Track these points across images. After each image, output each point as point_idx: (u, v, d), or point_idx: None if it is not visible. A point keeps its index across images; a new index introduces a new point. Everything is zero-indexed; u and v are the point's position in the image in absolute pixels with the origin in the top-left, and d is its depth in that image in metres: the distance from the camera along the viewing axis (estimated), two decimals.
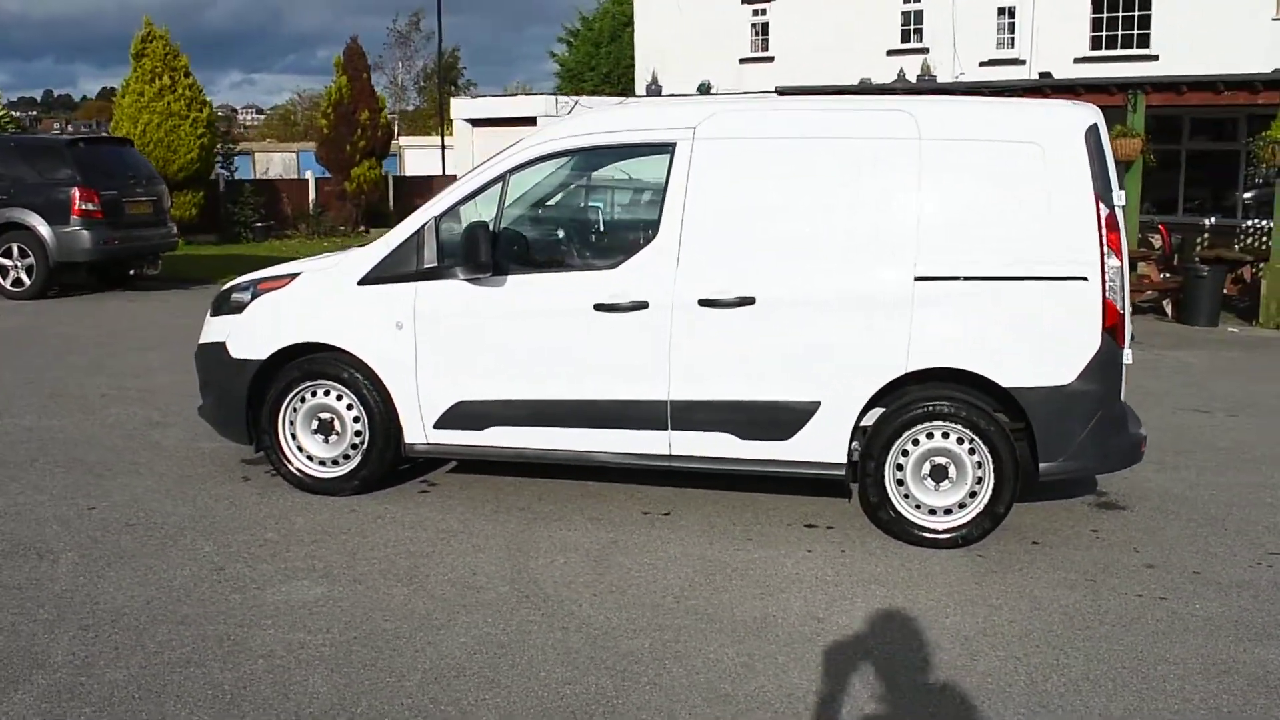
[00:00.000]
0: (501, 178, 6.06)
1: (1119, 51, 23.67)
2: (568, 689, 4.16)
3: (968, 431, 5.65)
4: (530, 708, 4.02)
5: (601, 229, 6.23)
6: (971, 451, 5.67)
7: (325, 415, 6.35)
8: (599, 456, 6.05)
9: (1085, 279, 5.50)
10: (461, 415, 6.11)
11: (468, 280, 6.00)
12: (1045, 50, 24.42)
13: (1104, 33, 24.02)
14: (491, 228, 5.93)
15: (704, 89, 28.39)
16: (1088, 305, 5.52)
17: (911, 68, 25.07)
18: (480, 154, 29.87)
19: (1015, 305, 5.57)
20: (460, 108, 30.04)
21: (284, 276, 6.46)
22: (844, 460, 5.78)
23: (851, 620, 4.83)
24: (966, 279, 5.58)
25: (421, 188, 28.25)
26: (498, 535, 5.79)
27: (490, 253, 5.81)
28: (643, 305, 5.81)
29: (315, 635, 4.56)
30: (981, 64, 25.29)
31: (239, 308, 6.51)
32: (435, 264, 6.03)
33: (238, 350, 6.42)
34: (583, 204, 6.30)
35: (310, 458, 6.40)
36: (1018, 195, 5.57)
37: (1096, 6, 24.14)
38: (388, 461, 6.33)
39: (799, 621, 4.81)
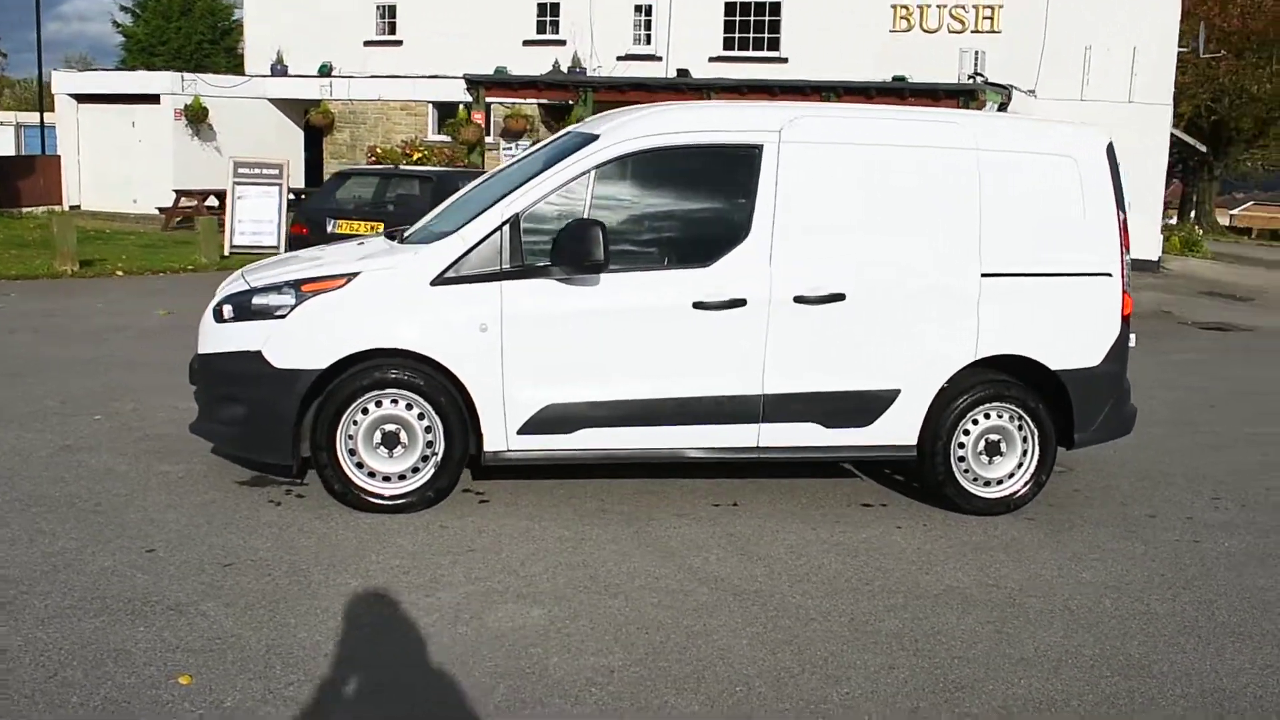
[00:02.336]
0: (586, 174, 5.93)
1: (751, 53, 25.78)
2: (892, 673, 4.36)
3: (1018, 410, 6.38)
4: (875, 692, 4.19)
5: (687, 226, 6.22)
6: (1020, 428, 6.41)
7: (390, 427, 5.86)
8: (690, 453, 6.12)
9: (1109, 275, 6.41)
10: (550, 419, 5.92)
11: (560, 280, 5.82)
12: (681, 48, 26.03)
13: (736, 35, 26.07)
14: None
15: (325, 70, 27.32)
16: (1111, 297, 6.43)
17: (544, 61, 25.49)
18: (87, 132, 26.79)
19: (1058, 298, 6.36)
20: (63, 82, 26.68)
21: (336, 277, 5.85)
22: (915, 442, 6.30)
23: (1005, 579, 5.38)
24: (1021, 275, 6.29)
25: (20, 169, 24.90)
26: (626, 537, 5.71)
27: (605, 250, 5.68)
28: (740, 303, 5.96)
29: (606, 657, 4.37)
30: (619, 58, 26.41)
31: (277, 312, 5.81)
32: (530, 262, 5.78)
33: (283, 359, 5.74)
34: (658, 201, 6.25)
35: (372, 474, 5.88)
36: (1058, 201, 6.36)
37: (729, 10, 26.10)
38: (460, 472, 5.97)
39: (978, 588, 5.28)
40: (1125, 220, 6.49)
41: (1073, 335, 6.40)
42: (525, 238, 5.83)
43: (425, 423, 5.88)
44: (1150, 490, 7.06)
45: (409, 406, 5.86)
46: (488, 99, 20.22)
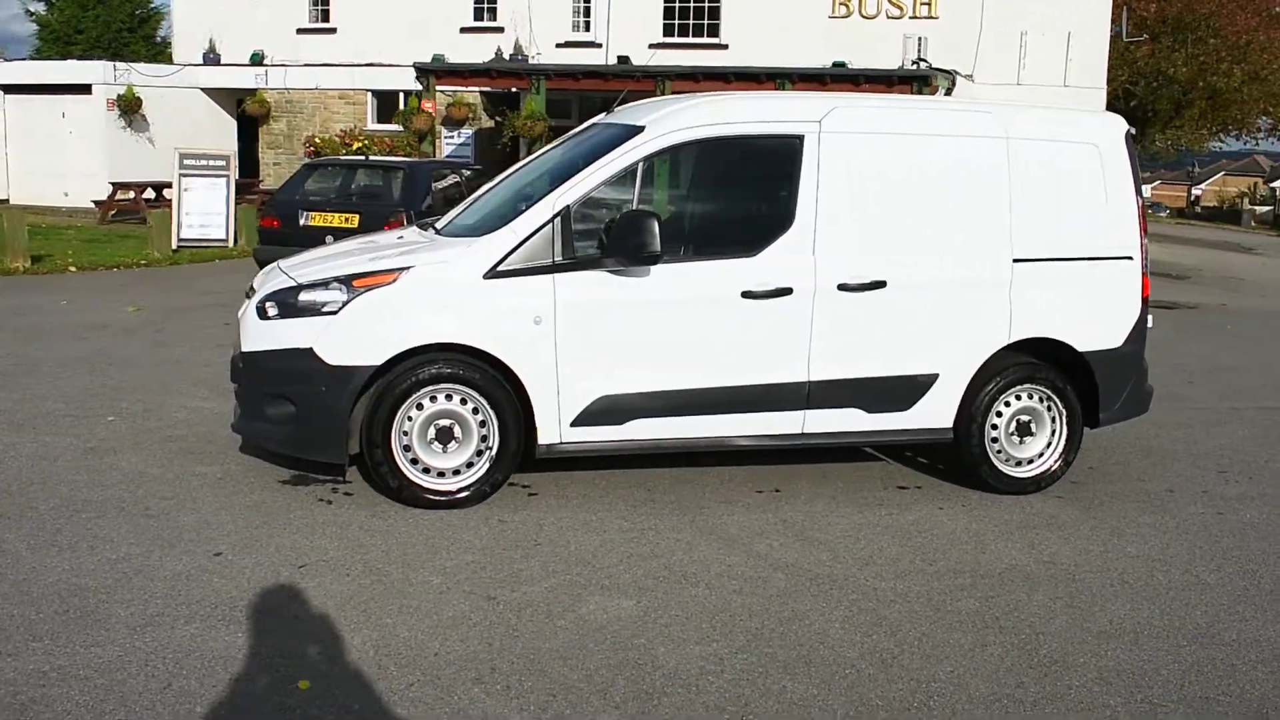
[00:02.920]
0: (635, 165, 5.95)
1: (692, 40, 25.87)
2: (985, 650, 4.48)
3: (1047, 391, 6.56)
4: (977, 669, 4.32)
5: (733, 216, 6.27)
6: (1049, 408, 6.59)
7: (444, 422, 5.83)
8: (738, 441, 6.20)
9: (1131, 258, 6.62)
10: (603, 410, 5.94)
11: (612, 271, 5.84)
12: (621, 35, 26.03)
13: (676, 21, 26.12)
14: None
15: (257, 59, 26.79)
16: (1132, 280, 6.64)
17: (483, 49, 25.25)
18: (14, 122, 25.89)
19: (1084, 281, 6.54)
20: None
21: (388, 271, 5.79)
22: (951, 425, 6.45)
23: (1058, 556, 5.55)
24: (1050, 260, 6.46)
25: None
26: (684, 526, 5.76)
27: (659, 241, 5.71)
28: (787, 291, 6.05)
29: (710, 645, 4.43)
30: (559, 45, 26.32)
31: (327, 308, 5.74)
32: (581, 254, 5.80)
33: (337, 356, 5.68)
34: (704, 191, 6.29)
35: (427, 470, 5.85)
36: (1082, 187, 6.54)
37: None
38: (514, 467, 5.97)
39: (1036, 565, 5.45)
40: (1143, 205, 6.70)
41: (1097, 317, 6.60)
42: (576, 229, 5.84)
43: (479, 417, 5.86)
44: (1161, 466, 7.30)
45: (463, 401, 5.83)
46: (439, 87, 20.00)
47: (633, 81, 18.80)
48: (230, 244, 17.85)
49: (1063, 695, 4.15)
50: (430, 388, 5.78)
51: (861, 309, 6.16)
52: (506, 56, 23.86)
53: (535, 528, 5.67)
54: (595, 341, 5.87)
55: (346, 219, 12.20)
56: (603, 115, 7.36)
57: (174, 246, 17.29)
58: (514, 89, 23.44)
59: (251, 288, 6.60)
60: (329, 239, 12.02)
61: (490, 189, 7.07)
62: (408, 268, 5.79)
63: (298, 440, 5.87)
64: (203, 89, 26.99)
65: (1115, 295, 6.63)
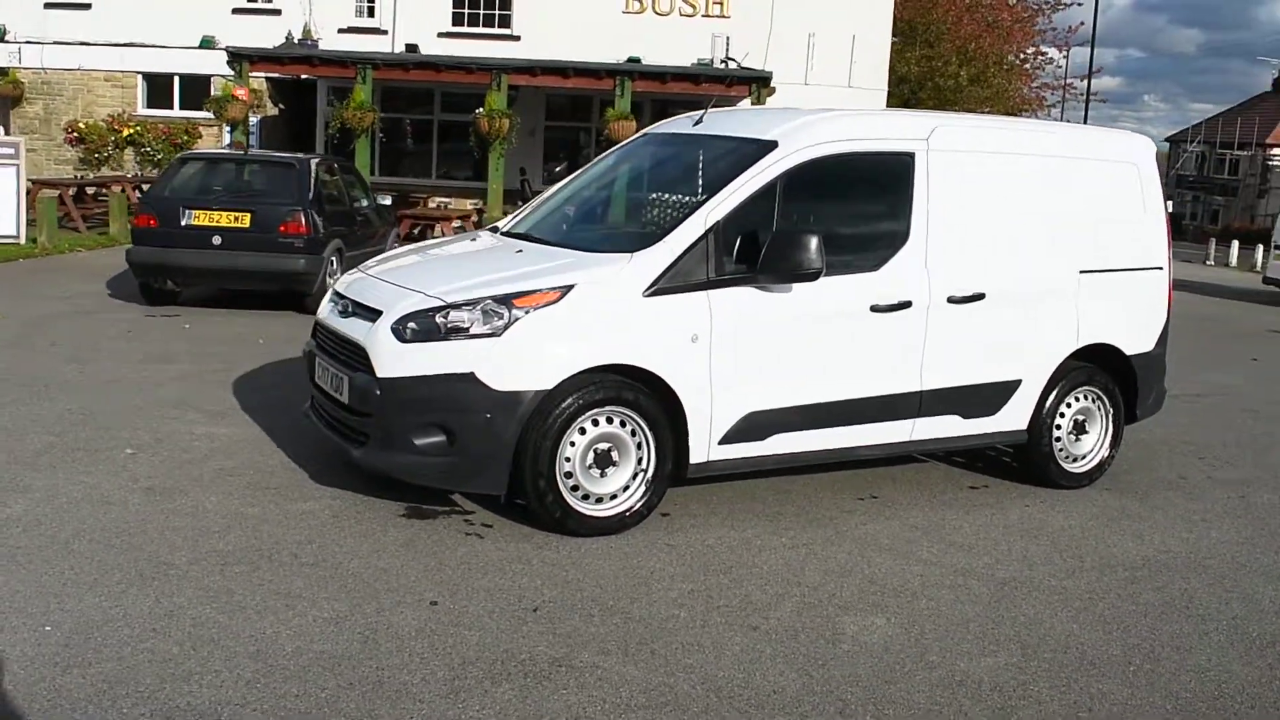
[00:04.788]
0: (775, 181, 5.93)
1: (482, 30, 25.41)
2: (1206, 638, 4.86)
3: (1098, 391, 7.08)
4: (1238, 641, 4.69)
5: (858, 231, 6.31)
6: (1100, 408, 7.12)
7: (602, 445, 5.61)
8: (862, 451, 6.33)
9: (1161, 268, 7.25)
10: (749, 427, 5.91)
11: (759, 288, 5.82)
12: (408, 22, 25.23)
13: (466, 10, 25.56)
14: (775, 229, 5.84)
15: None
16: (1162, 288, 7.28)
17: (259, 32, 23.76)
18: None
19: (1128, 290, 7.11)
20: None
21: (551, 289, 5.49)
22: (1026, 427, 6.84)
23: (1166, 545, 6.05)
24: (1105, 271, 6.97)
25: None
26: (842, 539, 5.83)
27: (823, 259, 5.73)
28: (907, 305, 6.23)
29: (995, 656, 4.55)
30: (341, 31, 25.18)
31: (484, 329, 5.39)
32: (732, 270, 5.73)
33: (503, 380, 5.35)
34: (832, 207, 6.30)
35: (585, 497, 5.61)
36: (1125, 202, 7.10)
37: None
38: (666, 489, 5.83)
39: (1160, 554, 5.92)
40: (1169, 217, 7.35)
41: (1139, 323, 7.19)
42: (731, 244, 5.77)
43: (636, 439, 5.68)
44: (1159, 457, 8.00)
45: (622, 423, 5.64)
46: (253, 73, 18.70)
47: (482, 74, 18.31)
48: (22, 241, 16.02)
49: None
50: (593, 411, 5.54)
51: (965, 320, 6.43)
52: (296, 41, 22.59)
53: (708, 549, 5.58)
54: (743, 358, 5.83)
55: (236, 218, 11.26)
56: (658, 125, 7.30)
57: None
58: (302, 76, 22.29)
59: (336, 294, 6.15)
60: (217, 239, 11.14)
61: (566, 193, 6.92)
62: (571, 285, 5.52)
63: (455, 472, 5.48)
64: None
65: (1150, 302, 7.23)
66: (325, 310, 6.33)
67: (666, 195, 6.50)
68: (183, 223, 11.26)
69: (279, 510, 5.73)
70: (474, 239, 6.81)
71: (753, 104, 19.21)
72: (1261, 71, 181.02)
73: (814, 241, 5.68)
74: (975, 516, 6.37)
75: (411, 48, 24.07)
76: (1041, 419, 6.86)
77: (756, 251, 5.78)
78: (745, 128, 6.48)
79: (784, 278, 5.78)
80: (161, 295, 11.83)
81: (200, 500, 5.82)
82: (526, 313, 5.43)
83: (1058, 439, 6.97)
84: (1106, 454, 7.16)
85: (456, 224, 16.36)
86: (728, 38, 22.27)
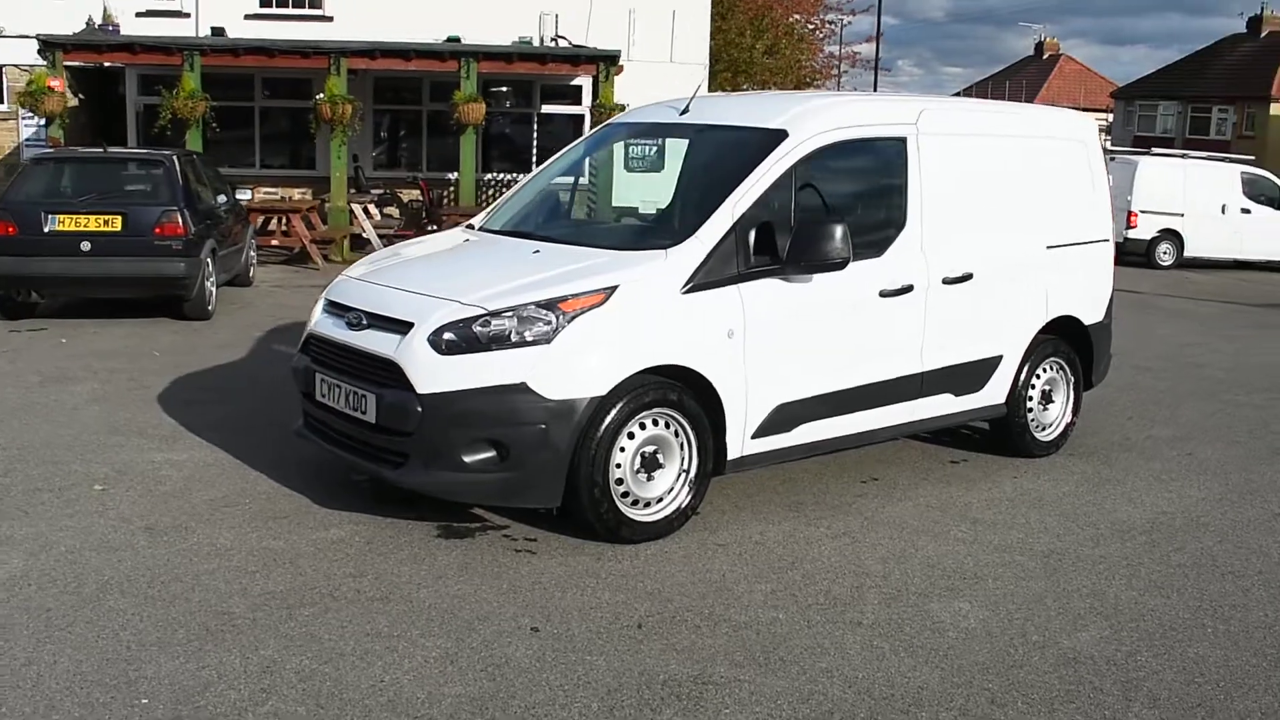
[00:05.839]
0: (791, 171, 5.89)
1: (292, 11, 24.15)
2: (1250, 594, 5.17)
3: (1062, 362, 7.40)
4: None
5: (862, 217, 6.28)
6: (1064, 378, 7.44)
7: (649, 449, 5.47)
8: (878, 435, 6.43)
9: (1107, 240, 7.63)
10: (778, 419, 5.88)
11: (783, 279, 5.78)
12: (213, 4, 23.75)
13: None
14: (791, 220, 5.83)
15: None
16: (1109, 260, 7.66)
17: (41, 15, 21.77)
18: None
19: (1083, 263, 7.43)
20: None
21: (594, 292, 5.28)
22: (1004, 400, 7.07)
23: (1158, 504, 6.40)
24: (1066, 245, 7.28)
25: None
26: (881, 526, 5.89)
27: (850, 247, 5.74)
28: (909, 288, 6.33)
29: (1082, 633, 4.70)
30: (139, 14, 23.39)
31: (532, 336, 5.14)
32: (758, 262, 5.66)
33: (557, 389, 5.13)
34: (837, 194, 6.26)
35: (635, 502, 5.45)
36: (1077, 178, 7.42)
37: None
38: (707, 487, 5.73)
39: (1159, 515, 6.24)
40: (1110, 193, 7.74)
41: (1093, 294, 7.54)
42: (756, 236, 5.71)
43: (679, 440, 5.56)
44: (1093, 420, 8.37)
45: (666, 425, 5.50)
46: (67, 62, 17.20)
47: (320, 59, 17.44)
48: None
49: None
50: (642, 414, 5.39)
51: (957, 300, 6.58)
52: (96, 26, 20.90)
53: (758, 546, 5.53)
54: (773, 351, 5.79)
55: (106, 221, 10.35)
56: (629, 115, 7.17)
57: None
58: (103, 64, 20.72)
59: (335, 305, 5.77)
60: (86, 245, 10.30)
61: (526, 187, 6.90)
62: (614, 286, 5.33)
63: (508, 488, 5.22)
64: None
65: (1100, 273, 7.60)
66: (324, 323, 5.90)
67: (680, 188, 6.37)
68: (46, 229, 10.29)
69: (305, 542, 5.33)
70: (467, 239, 6.48)
71: (601, 83, 19.03)
72: (1008, 36, 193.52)
73: (839, 230, 5.68)
74: (976, 491, 6.55)
75: (218, 31, 22.60)
76: (1018, 392, 7.10)
77: (779, 243, 5.75)
78: (746, 116, 6.42)
79: (812, 268, 5.76)
80: (19, 308, 10.79)
81: (212, 537, 5.34)
82: (574, 317, 5.21)
83: (1030, 409, 7.24)
84: (1069, 421, 7.50)
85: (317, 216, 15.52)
86: (556, 15, 21.98)
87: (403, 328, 5.34)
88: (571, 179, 7.05)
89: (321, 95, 17.23)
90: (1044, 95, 60.08)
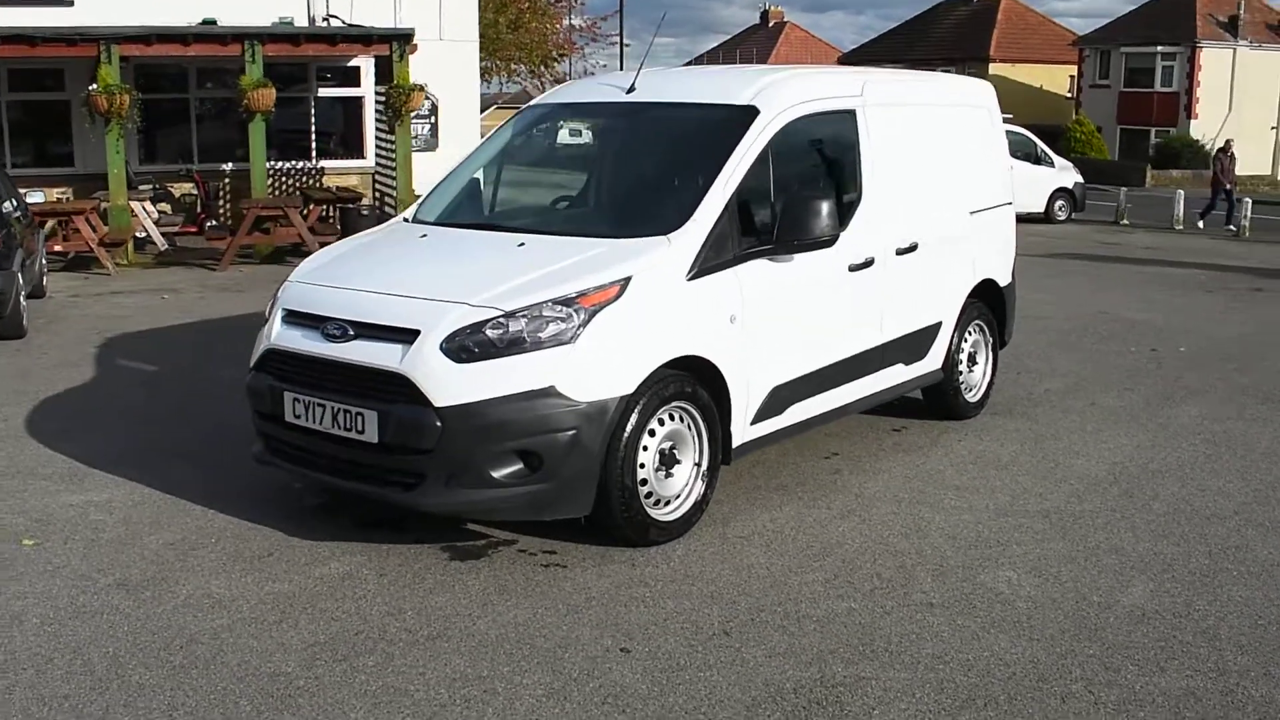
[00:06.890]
0: (767, 149, 5.73)
1: None
2: (1243, 534, 5.48)
3: (983, 325, 7.61)
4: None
5: (825, 192, 6.11)
6: (985, 341, 7.66)
7: (667, 445, 5.21)
8: (848, 409, 6.41)
9: (1010, 203, 7.90)
10: (773, 402, 5.76)
11: (770, 259, 5.65)
12: None
13: None
14: (771, 198, 5.71)
15: None
16: (1011, 222, 7.93)
17: None
18: None
19: (994, 227, 7.66)
20: None
21: (611, 284, 4.94)
22: (941, 366, 7.20)
23: (1114, 457, 6.70)
24: (983, 210, 7.47)
25: None
26: (881, 501, 5.87)
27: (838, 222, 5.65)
28: (871, 262, 6.33)
29: (1143, 584, 4.83)
30: None
31: (557, 335, 4.78)
32: (745, 244, 5.49)
33: (584, 391, 4.80)
34: (801, 170, 6.07)
35: (657, 502, 5.19)
36: (985, 144, 7.64)
37: None
38: (718, 477, 5.53)
39: (1113, 468, 6.53)
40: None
41: (1002, 257, 7.78)
42: (747, 216, 5.54)
43: (692, 432, 5.33)
44: (1001, 377, 8.62)
45: (679, 418, 5.26)
46: None
47: (66, 46, 15.82)
48: None
49: None
50: (660, 409, 5.12)
51: (907, 270, 6.63)
52: None
53: (780, 535, 5.40)
54: (767, 333, 5.65)
55: None
56: (562, 94, 6.85)
57: None
58: None
59: (298, 314, 5.22)
60: None
61: (457, 176, 6.56)
62: (628, 278, 5.02)
63: (539, 500, 4.84)
64: None
65: (1006, 236, 7.85)
66: (288, 336, 5.28)
67: (657, 170, 6.08)
68: None
69: (310, 581, 4.78)
70: (423, 234, 5.93)
71: (396, 63, 18.15)
72: (725, 7, 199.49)
73: (826, 206, 5.58)
74: (936, 458, 6.64)
75: None
76: (952, 356, 7.25)
77: (764, 222, 5.61)
78: (707, 93, 6.22)
79: (802, 246, 5.65)
80: None
81: (200, 587, 4.71)
82: (595, 312, 4.89)
83: (960, 372, 7.41)
84: (990, 380, 7.73)
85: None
86: None
87: (405, 336, 4.85)
88: (498, 167, 6.62)
89: (95, 86, 15.67)
90: (773, 61, 62.27)
